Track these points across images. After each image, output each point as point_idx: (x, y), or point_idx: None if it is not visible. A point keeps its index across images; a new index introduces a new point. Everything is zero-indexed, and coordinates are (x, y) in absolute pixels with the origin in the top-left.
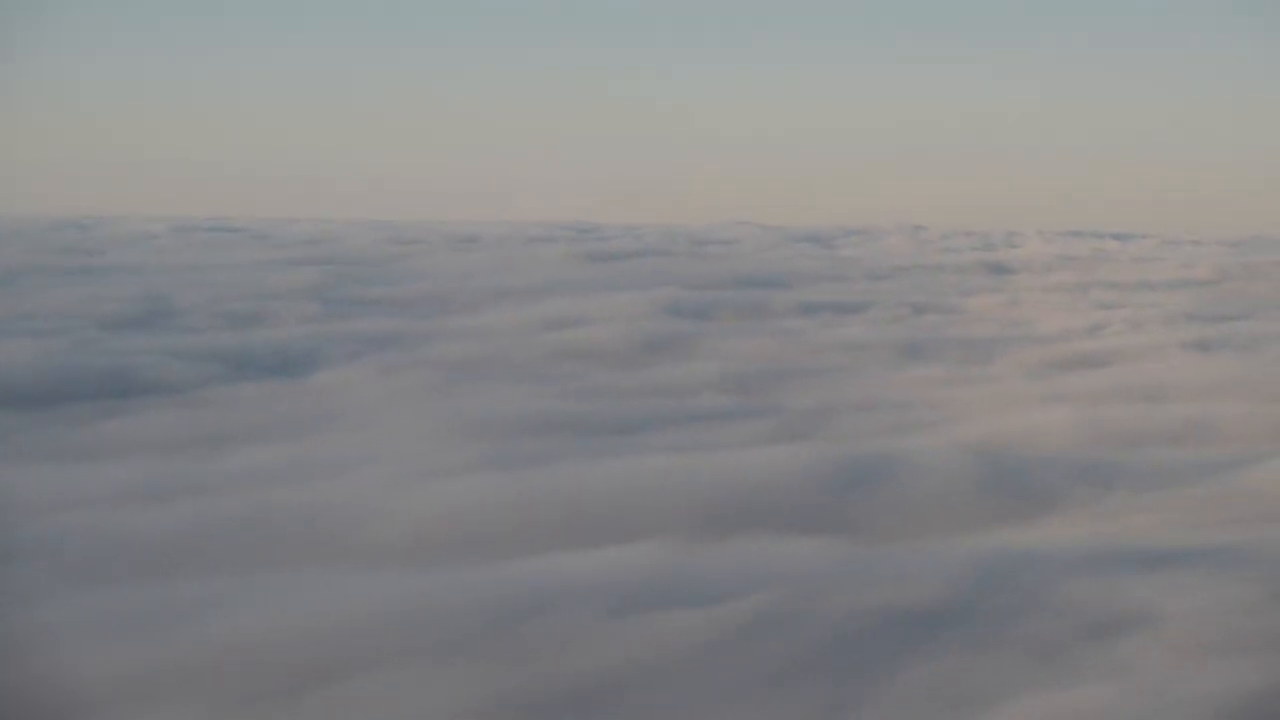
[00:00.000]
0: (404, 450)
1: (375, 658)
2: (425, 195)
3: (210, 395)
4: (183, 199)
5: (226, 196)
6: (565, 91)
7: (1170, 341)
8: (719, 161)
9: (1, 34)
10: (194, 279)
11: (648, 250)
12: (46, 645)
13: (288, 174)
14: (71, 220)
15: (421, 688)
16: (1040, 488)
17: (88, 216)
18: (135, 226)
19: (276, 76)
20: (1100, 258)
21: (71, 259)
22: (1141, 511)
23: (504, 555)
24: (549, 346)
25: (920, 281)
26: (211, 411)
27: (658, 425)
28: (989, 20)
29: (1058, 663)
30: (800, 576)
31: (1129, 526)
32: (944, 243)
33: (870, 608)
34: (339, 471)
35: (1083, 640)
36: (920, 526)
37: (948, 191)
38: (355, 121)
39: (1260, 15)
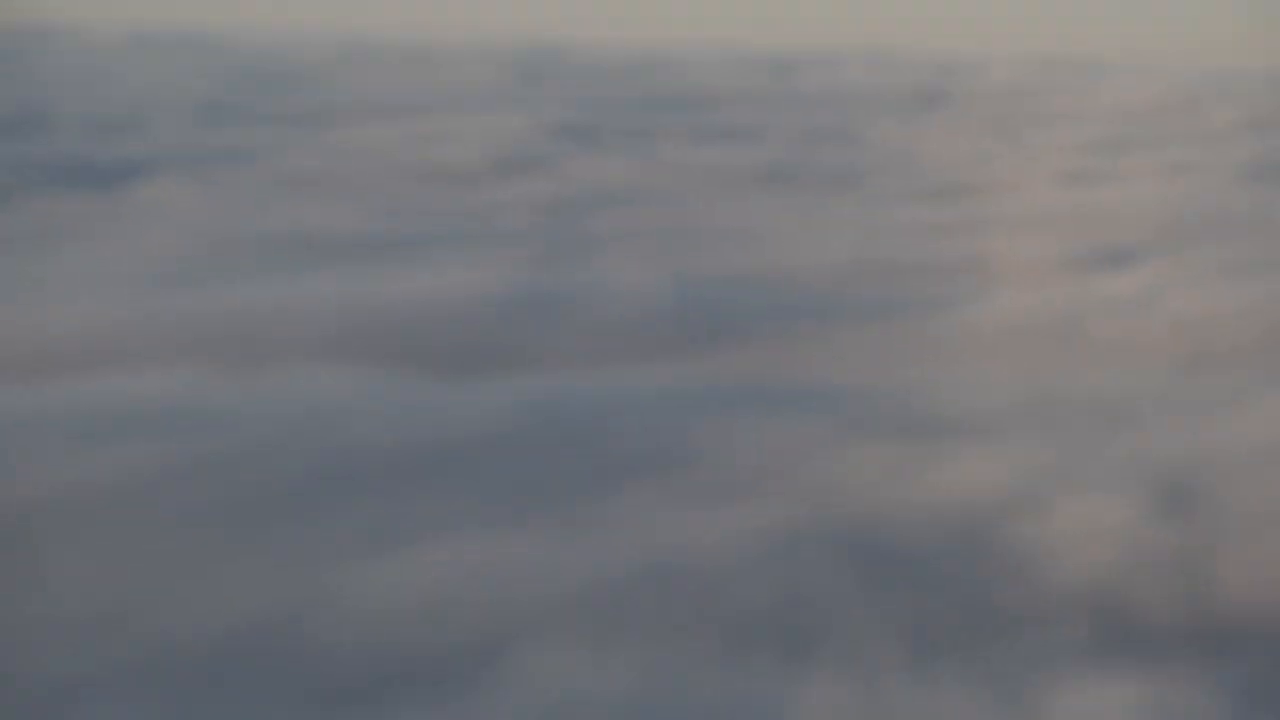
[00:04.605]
0: (134, 266)
1: None
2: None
3: (10, 204)
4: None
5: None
6: None
7: (1047, 172)
8: None
9: None
10: (94, 88)
11: (591, 70)
12: None
13: None
14: (35, 29)
15: None
16: (726, 321)
17: (55, 26)
18: (92, 37)
19: None
20: (1053, 87)
21: None
22: (807, 349)
23: (74, 376)
24: (401, 164)
25: (845, 108)
26: None
27: (436, 246)
28: None
29: (539, 507)
30: (335, 408)
31: (775, 364)
32: (905, 69)
33: (378, 443)
34: (40, 287)
35: (596, 481)
36: (554, 359)
37: (941, 16)
38: None
39: None
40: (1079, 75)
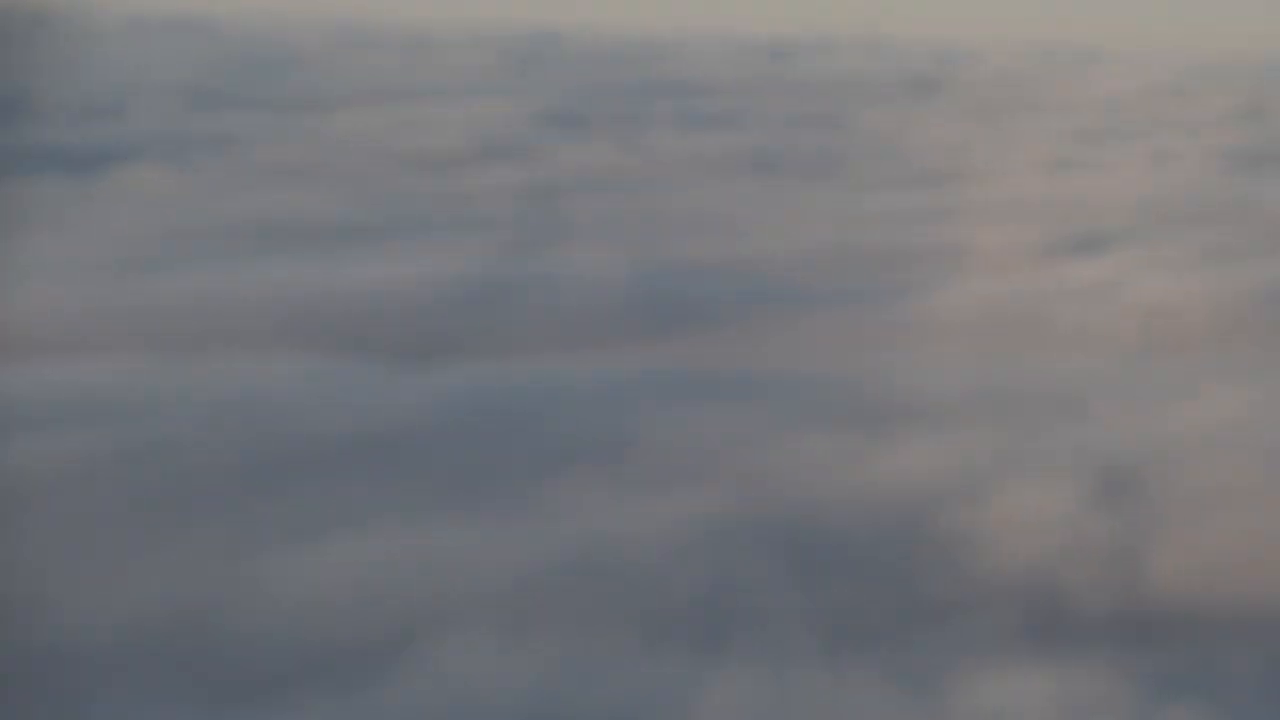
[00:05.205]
0: (104, 252)
1: None
2: None
3: None
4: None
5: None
6: None
7: (1032, 160)
8: None
9: None
10: (85, 72)
11: (589, 55)
12: None
13: None
14: (32, 12)
15: None
16: (693, 308)
17: (52, 9)
18: (89, 20)
19: None
20: (1049, 75)
21: None
22: (772, 336)
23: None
24: (387, 150)
25: (837, 95)
26: None
27: (415, 233)
28: None
29: (476, 495)
30: (284, 396)
31: (737, 351)
32: (903, 57)
33: (322, 430)
34: (8, 273)
35: (538, 469)
36: (519, 345)
37: (941, 5)
38: None
39: None
40: (1076, 64)
